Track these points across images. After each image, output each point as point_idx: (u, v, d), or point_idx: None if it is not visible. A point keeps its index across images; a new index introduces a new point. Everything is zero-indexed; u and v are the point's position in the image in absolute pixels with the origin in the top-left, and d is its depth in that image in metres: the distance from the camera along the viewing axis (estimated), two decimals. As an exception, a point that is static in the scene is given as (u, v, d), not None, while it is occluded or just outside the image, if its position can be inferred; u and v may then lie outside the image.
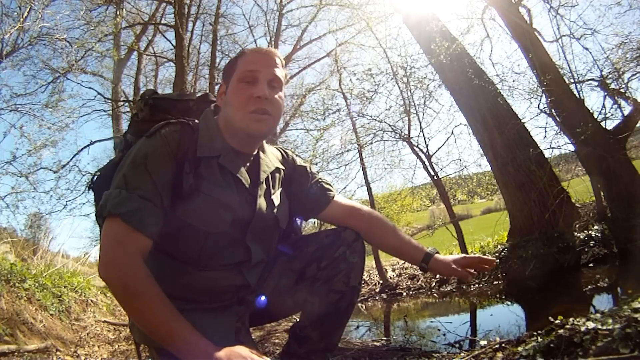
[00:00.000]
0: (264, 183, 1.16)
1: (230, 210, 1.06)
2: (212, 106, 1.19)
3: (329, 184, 1.33)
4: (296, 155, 1.35)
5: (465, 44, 5.56)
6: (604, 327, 1.13)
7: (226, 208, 1.06)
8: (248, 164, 1.14)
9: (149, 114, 1.20)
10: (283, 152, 1.30)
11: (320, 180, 1.31)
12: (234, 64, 1.11)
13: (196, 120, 1.12)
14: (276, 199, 1.18)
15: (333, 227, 1.31)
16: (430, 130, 10.78)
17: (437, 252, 1.25)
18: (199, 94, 1.28)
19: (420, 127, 5.77)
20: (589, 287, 3.36)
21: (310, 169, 1.33)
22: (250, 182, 1.12)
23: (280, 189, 1.23)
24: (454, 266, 1.22)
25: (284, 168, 1.25)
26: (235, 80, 1.09)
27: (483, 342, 1.75)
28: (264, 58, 1.10)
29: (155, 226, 0.97)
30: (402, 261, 6.81)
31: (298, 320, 1.27)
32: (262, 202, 1.13)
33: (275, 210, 1.16)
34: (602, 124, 4.47)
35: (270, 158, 1.21)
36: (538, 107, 4.70)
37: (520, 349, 1.36)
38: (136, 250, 0.93)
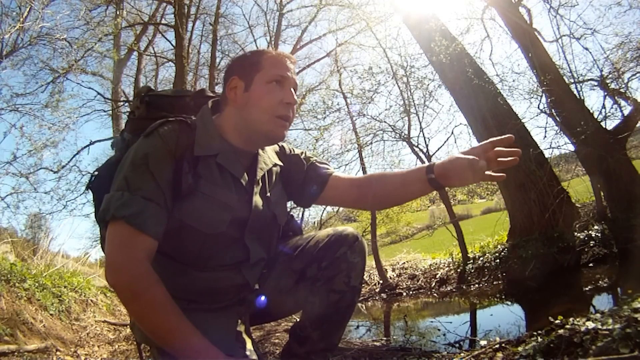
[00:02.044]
0: (260, 181, 1.15)
1: (228, 209, 1.05)
2: (209, 102, 1.17)
3: (325, 162, 1.30)
4: (292, 147, 1.34)
5: (465, 44, 5.58)
6: (604, 327, 1.13)
7: (224, 208, 1.05)
8: (246, 162, 1.14)
9: (145, 111, 1.19)
10: (280, 145, 1.28)
11: (316, 161, 1.29)
12: (257, 62, 1.08)
13: (193, 118, 1.11)
14: (273, 195, 1.18)
15: (334, 227, 1.30)
16: (430, 130, 10.83)
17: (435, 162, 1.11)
18: (195, 90, 1.27)
19: (420, 127, 5.79)
20: (589, 287, 3.37)
21: (304, 154, 1.30)
22: (247, 180, 1.11)
23: (277, 185, 1.22)
24: (462, 157, 1.04)
25: (281, 164, 1.24)
26: (263, 81, 1.06)
27: (483, 342, 1.75)
28: (289, 63, 1.10)
29: (160, 226, 0.96)
30: (402, 261, 6.83)
31: (298, 320, 1.27)
32: (258, 201, 1.12)
33: (271, 207, 1.16)
34: (602, 124, 4.47)
35: (269, 154, 1.20)
36: (538, 107, 4.71)
37: (520, 349, 1.37)
38: (143, 254, 0.92)
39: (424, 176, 1.10)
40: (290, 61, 1.12)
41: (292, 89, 1.09)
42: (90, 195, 1.17)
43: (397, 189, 1.18)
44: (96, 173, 1.16)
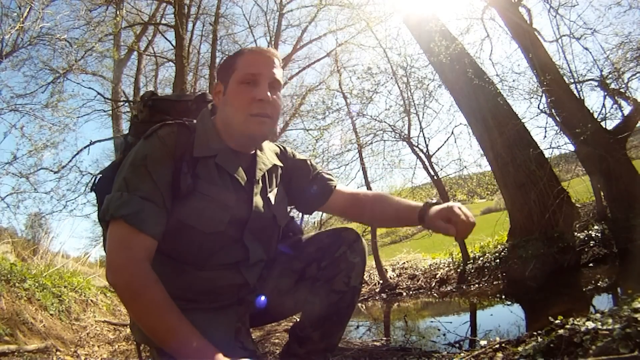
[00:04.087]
0: (260, 181, 1.16)
1: (227, 209, 1.06)
2: (209, 106, 1.19)
3: (330, 174, 1.32)
4: (296, 151, 1.35)
5: (465, 44, 5.57)
6: (604, 327, 1.13)
7: (223, 207, 1.06)
8: (245, 163, 1.14)
9: (148, 115, 1.21)
10: (281, 147, 1.30)
11: (321, 171, 1.31)
12: (233, 63, 1.10)
13: (193, 121, 1.13)
14: (273, 196, 1.18)
15: (334, 227, 1.31)
16: (430, 130, 10.81)
17: (433, 204, 1.12)
18: (197, 94, 1.28)
19: (420, 127, 5.78)
20: (589, 287, 3.36)
21: (310, 162, 1.32)
22: (246, 180, 1.12)
23: (278, 186, 1.23)
24: (437, 219, 1.07)
25: (282, 165, 1.25)
26: (235, 82, 1.07)
27: (483, 342, 1.75)
28: (264, 59, 1.09)
29: (159, 226, 0.97)
30: (402, 261, 6.83)
31: (298, 320, 1.27)
32: (258, 201, 1.13)
33: (272, 208, 1.16)
34: (602, 124, 4.47)
35: (268, 155, 1.21)
36: (538, 107, 4.70)
37: (520, 349, 1.37)
38: (142, 253, 0.93)
39: (416, 222, 1.15)
40: (267, 56, 1.10)
41: (267, 84, 1.07)
42: (90, 196, 1.18)
43: (390, 219, 1.27)
44: (100, 175, 1.17)
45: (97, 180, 1.16)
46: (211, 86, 8.44)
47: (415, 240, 9.63)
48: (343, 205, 1.30)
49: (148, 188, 0.97)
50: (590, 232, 4.35)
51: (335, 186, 1.30)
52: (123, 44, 9.18)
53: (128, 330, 3.52)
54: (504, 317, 3.13)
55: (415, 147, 5.76)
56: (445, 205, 1.09)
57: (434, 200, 1.15)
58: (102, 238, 1.14)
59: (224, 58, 1.19)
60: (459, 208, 1.06)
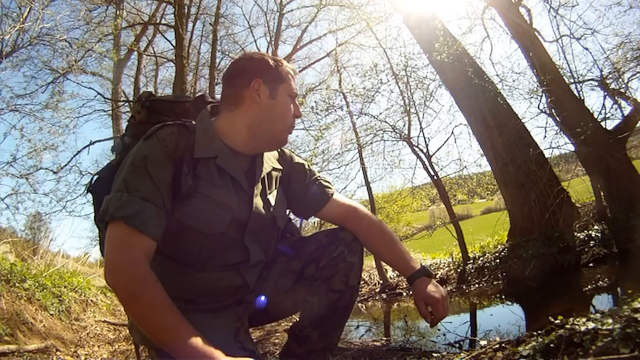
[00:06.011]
0: (261, 183, 1.16)
1: (228, 210, 1.06)
2: (208, 107, 1.19)
3: (328, 182, 1.32)
4: (294, 154, 1.35)
5: (465, 44, 5.56)
6: (604, 327, 1.13)
7: (224, 209, 1.06)
8: (245, 165, 1.15)
9: (146, 116, 1.21)
10: (280, 150, 1.30)
11: (319, 178, 1.31)
12: (280, 72, 1.15)
13: (193, 122, 1.13)
14: (273, 198, 1.19)
15: (333, 227, 1.31)
16: (430, 130, 10.81)
17: (425, 274, 1.19)
18: (197, 94, 1.29)
19: (420, 127, 5.78)
20: (589, 287, 3.36)
21: (308, 166, 1.32)
22: (247, 182, 1.12)
23: (277, 189, 1.23)
24: (421, 302, 1.16)
25: (281, 167, 1.26)
26: (285, 94, 1.15)
27: (483, 342, 1.75)
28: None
29: (159, 227, 0.97)
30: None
31: (297, 320, 1.27)
32: (258, 202, 1.13)
33: (272, 210, 1.16)
34: (602, 124, 4.46)
35: (268, 158, 1.22)
36: (538, 107, 4.69)
37: (520, 349, 1.36)
38: (142, 254, 0.92)
39: (405, 278, 1.22)
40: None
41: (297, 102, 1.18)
42: (90, 196, 1.18)
43: (382, 258, 1.34)
44: (96, 176, 1.17)
45: (93, 181, 1.16)
46: (211, 86, 8.44)
47: (415, 240, 9.61)
48: (338, 217, 1.29)
49: (148, 189, 0.97)
50: (590, 232, 4.35)
51: (332, 194, 1.29)
52: (123, 44, 9.21)
53: (128, 330, 3.52)
54: (504, 317, 3.12)
55: (415, 147, 5.76)
56: (434, 294, 1.14)
57: (428, 267, 1.22)
58: (99, 241, 1.14)
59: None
60: (443, 303, 1.14)
